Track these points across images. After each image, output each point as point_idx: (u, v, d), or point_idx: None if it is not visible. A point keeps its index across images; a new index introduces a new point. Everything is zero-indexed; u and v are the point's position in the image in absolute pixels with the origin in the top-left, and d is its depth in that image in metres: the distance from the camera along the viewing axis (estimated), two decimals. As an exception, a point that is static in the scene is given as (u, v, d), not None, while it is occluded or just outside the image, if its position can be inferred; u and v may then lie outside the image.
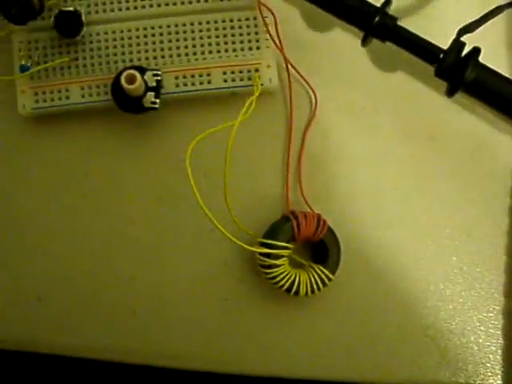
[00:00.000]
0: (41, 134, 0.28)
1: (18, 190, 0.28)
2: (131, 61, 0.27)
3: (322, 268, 0.26)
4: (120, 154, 0.28)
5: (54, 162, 0.28)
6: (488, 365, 0.28)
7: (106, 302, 0.27)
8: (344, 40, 0.28)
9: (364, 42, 0.26)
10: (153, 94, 0.26)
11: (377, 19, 0.25)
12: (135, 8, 0.27)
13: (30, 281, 0.27)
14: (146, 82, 0.26)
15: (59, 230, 0.27)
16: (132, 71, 0.25)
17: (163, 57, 0.27)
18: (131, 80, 0.25)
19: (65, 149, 0.28)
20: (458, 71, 0.24)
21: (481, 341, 0.28)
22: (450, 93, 0.25)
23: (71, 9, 0.26)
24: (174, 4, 0.27)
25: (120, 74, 0.25)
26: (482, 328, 0.28)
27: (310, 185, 0.27)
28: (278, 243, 0.25)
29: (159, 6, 0.27)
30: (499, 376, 0.28)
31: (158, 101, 0.26)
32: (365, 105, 0.28)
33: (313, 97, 0.27)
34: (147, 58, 0.27)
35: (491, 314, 0.28)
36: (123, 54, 0.27)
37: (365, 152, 0.28)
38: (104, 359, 0.28)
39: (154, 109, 0.26)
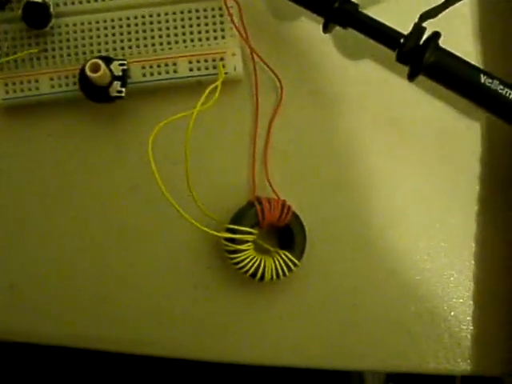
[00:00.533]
0: (11, 124, 0.28)
1: None
2: (99, 52, 0.27)
3: (287, 253, 0.26)
4: (90, 143, 0.28)
5: (25, 152, 0.28)
6: (457, 350, 0.28)
7: (77, 288, 0.28)
8: (309, 27, 0.28)
9: (325, 29, 0.26)
10: (119, 83, 0.26)
11: (336, 5, 0.25)
12: (103, 0, 0.27)
13: (3, 269, 0.28)
14: (112, 72, 0.26)
15: (32, 219, 0.28)
16: (96, 60, 0.25)
17: (130, 47, 0.27)
18: (95, 69, 0.25)
19: (36, 139, 0.28)
20: (417, 55, 0.25)
21: (451, 325, 0.28)
22: (411, 76, 0.25)
23: (39, 0, 0.27)
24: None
25: (85, 63, 0.25)
26: (452, 314, 0.28)
27: (276, 173, 0.27)
28: (242, 228, 0.26)
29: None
30: (468, 361, 0.28)
31: (124, 89, 0.26)
32: (331, 92, 0.28)
33: (278, 85, 0.28)
34: (115, 49, 0.27)
35: (461, 300, 0.28)
36: (91, 45, 0.27)
37: (330, 139, 0.28)
38: (77, 346, 0.28)
39: (121, 97, 0.26)
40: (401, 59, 0.25)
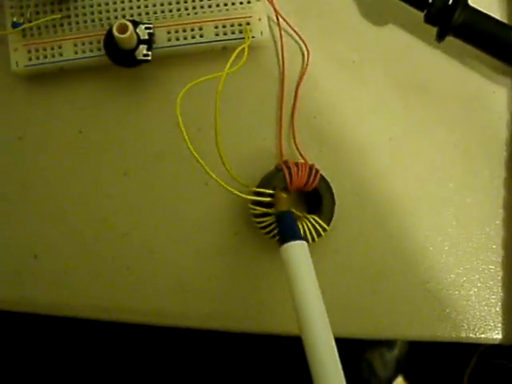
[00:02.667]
0: (35, 91, 0.28)
1: (13, 148, 0.28)
2: (124, 16, 0.27)
3: (316, 218, 0.26)
4: (114, 109, 0.28)
5: (48, 119, 0.28)
6: (488, 318, 0.27)
7: (101, 259, 0.27)
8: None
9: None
10: (145, 46, 0.26)
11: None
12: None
13: (26, 239, 0.27)
14: (138, 35, 0.26)
15: (55, 188, 0.27)
16: (123, 21, 0.25)
17: (155, 12, 0.27)
18: (123, 30, 0.25)
19: (59, 106, 0.28)
20: (446, 15, 0.24)
21: (480, 293, 0.27)
22: (440, 36, 0.25)
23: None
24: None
25: (112, 25, 0.25)
26: (481, 280, 0.27)
27: (304, 137, 0.27)
28: (270, 191, 0.25)
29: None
30: (499, 329, 0.27)
31: (150, 53, 0.26)
32: (356, 57, 0.28)
33: (304, 49, 0.27)
34: (140, 14, 0.27)
35: (491, 266, 0.28)
36: (115, 10, 0.27)
37: (357, 104, 0.28)
38: (100, 318, 0.28)
39: (147, 61, 0.26)
40: (429, 20, 0.25)
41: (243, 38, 0.27)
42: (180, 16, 0.27)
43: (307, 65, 0.27)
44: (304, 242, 0.23)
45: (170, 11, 0.27)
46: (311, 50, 0.28)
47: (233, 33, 0.27)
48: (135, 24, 0.26)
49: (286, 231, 0.24)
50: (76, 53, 0.27)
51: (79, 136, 0.28)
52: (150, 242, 0.27)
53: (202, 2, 0.27)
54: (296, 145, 0.27)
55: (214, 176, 0.25)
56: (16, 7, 0.27)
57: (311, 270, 0.23)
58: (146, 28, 0.26)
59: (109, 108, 0.28)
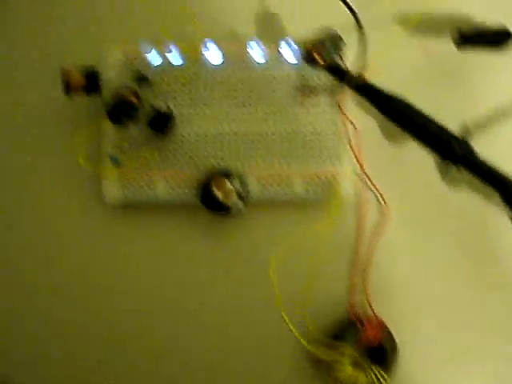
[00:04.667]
0: (124, 222, 0.29)
1: (103, 275, 0.29)
2: (215, 158, 0.28)
3: (380, 370, 0.28)
4: (200, 248, 0.29)
5: (136, 250, 0.29)
6: None
7: None
8: (419, 156, 0.29)
9: (443, 174, 0.27)
10: (239, 199, 0.27)
11: (457, 150, 0.26)
12: (225, 109, 0.28)
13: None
14: (232, 186, 0.27)
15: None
16: (222, 177, 0.26)
17: (247, 159, 0.28)
18: (220, 186, 0.26)
19: (148, 238, 0.29)
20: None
21: None
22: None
23: (163, 107, 0.27)
24: (261, 108, 0.28)
25: (210, 178, 0.27)
26: None
27: (372, 286, 0.29)
28: (345, 348, 0.27)
29: (246, 107, 0.28)
30: None
31: (243, 205, 0.27)
32: (433, 220, 0.29)
33: (384, 207, 0.29)
34: (232, 159, 0.28)
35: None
36: (209, 152, 0.28)
37: (431, 264, 0.29)
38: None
39: (239, 212, 0.27)
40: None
41: (329, 194, 0.28)
42: (271, 166, 0.28)
43: (385, 222, 0.29)
44: None
45: (262, 160, 0.28)
46: (390, 207, 0.29)
47: (320, 188, 0.28)
48: (230, 175, 0.27)
49: None
50: (168, 190, 0.28)
51: (155, 271, 0.29)
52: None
53: (293, 155, 0.28)
54: (369, 302, 0.28)
55: (297, 334, 0.26)
56: (114, 141, 0.28)
57: None
58: (241, 180, 0.27)
59: (194, 246, 0.29)
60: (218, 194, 0.26)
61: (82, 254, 0.29)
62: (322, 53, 0.26)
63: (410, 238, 0.29)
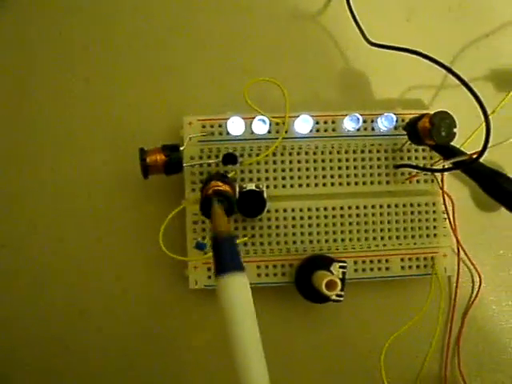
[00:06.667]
0: (207, 304, 0.27)
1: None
2: (310, 242, 0.26)
3: None
4: (294, 332, 0.28)
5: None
6: None
7: None
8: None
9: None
10: (340, 286, 0.25)
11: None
12: (315, 186, 0.26)
13: None
14: (332, 273, 0.25)
15: None
16: (333, 278, 0.24)
17: (343, 240, 0.26)
18: (331, 286, 0.24)
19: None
20: None
21: None
22: None
23: (254, 187, 0.25)
24: (355, 184, 0.26)
25: (317, 278, 0.25)
26: None
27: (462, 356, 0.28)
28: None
29: (340, 185, 0.27)
30: None
31: (343, 293, 0.26)
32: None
33: (477, 279, 0.28)
34: (327, 241, 0.26)
35: None
36: (302, 234, 0.26)
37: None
38: None
39: (338, 301, 0.26)
40: None
41: (427, 274, 0.27)
42: (368, 247, 0.27)
43: (478, 294, 0.28)
44: (245, 275, 0.19)
45: (358, 240, 0.26)
46: (483, 280, 0.28)
47: (417, 267, 0.27)
48: (330, 262, 0.25)
49: (225, 259, 0.19)
50: (259, 275, 0.26)
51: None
52: None
53: (390, 233, 0.27)
54: (461, 374, 0.28)
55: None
56: (199, 225, 0.26)
57: (252, 312, 0.18)
58: (341, 267, 0.26)
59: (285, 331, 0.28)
60: (328, 293, 0.24)
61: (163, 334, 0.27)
62: (432, 132, 0.24)
63: (503, 308, 0.29)
